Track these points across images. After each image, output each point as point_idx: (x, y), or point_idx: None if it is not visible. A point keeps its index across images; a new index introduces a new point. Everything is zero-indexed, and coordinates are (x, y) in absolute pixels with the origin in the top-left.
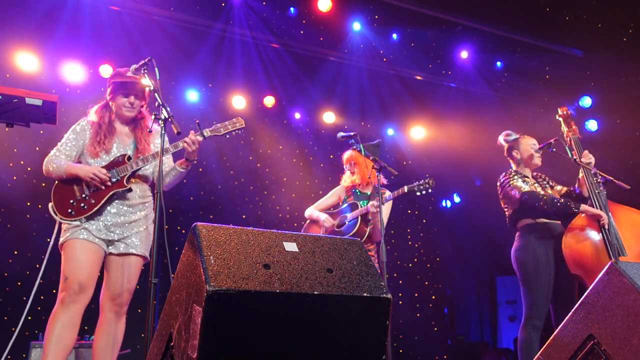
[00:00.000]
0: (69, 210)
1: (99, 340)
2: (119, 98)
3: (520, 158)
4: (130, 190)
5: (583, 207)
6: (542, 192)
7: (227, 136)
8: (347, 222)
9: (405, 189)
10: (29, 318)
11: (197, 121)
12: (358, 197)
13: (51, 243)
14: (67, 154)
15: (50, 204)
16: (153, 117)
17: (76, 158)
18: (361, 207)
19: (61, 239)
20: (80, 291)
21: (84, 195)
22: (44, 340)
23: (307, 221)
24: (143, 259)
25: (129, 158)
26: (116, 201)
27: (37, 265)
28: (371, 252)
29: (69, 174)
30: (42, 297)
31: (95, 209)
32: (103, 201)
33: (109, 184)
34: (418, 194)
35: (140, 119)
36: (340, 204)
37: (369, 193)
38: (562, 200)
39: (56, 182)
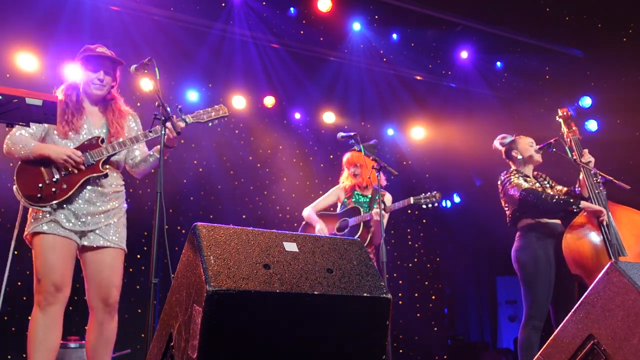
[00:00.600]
0: (38, 195)
1: (92, 341)
2: (87, 74)
3: (521, 158)
4: (106, 175)
5: (583, 203)
6: (541, 190)
7: (210, 124)
8: (349, 227)
9: (412, 200)
10: (29, 318)
11: (179, 106)
12: (359, 200)
13: (15, 232)
14: (31, 132)
15: (14, 187)
16: (153, 117)
17: (41, 138)
18: (364, 212)
19: (27, 230)
20: (56, 291)
21: (54, 179)
22: (27, 345)
23: (304, 222)
24: (123, 252)
25: (103, 141)
26: (88, 188)
27: None
28: (371, 255)
29: (38, 155)
30: None
31: (68, 194)
32: (76, 187)
33: (83, 167)
34: (424, 207)
35: (111, 99)
36: (340, 205)
37: (369, 196)
38: (562, 199)
39: (20, 163)
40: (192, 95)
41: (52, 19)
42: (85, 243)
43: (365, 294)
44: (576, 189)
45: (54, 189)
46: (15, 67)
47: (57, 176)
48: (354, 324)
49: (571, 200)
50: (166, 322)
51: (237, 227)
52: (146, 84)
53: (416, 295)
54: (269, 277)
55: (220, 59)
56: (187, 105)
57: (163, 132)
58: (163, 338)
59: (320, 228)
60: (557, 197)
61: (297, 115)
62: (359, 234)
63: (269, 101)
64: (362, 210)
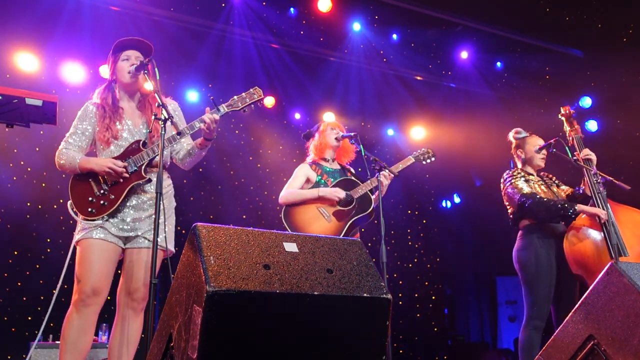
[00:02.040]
0: (90, 209)
1: (115, 339)
2: (121, 63)
3: (524, 157)
4: (149, 180)
5: (579, 207)
6: (542, 195)
7: (246, 110)
8: (355, 199)
9: (412, 159)
10: (29, 319)
11: (211, 97)
12: (326, 170)
13: (69, 254)
14: (78, 144)
15: (69, 202)
16: (153, 117)
17: (88, 147)
18: (363, 181)
19: (77, 237)
20: (93, 294)
21: (102, 191)
22: (59, 344)
23: (285, 207)
24: (164, 253)
25: (144, 144)
26: (135, 194)
27: (37, 266)
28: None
29: (84, 169)
30: (41, 297)
31: (116, 205)
32: (123, 196)
33: (127, 175)
34: (424, 162)
35: (146, 95)
36: (314, 184)
37: (337, 168)
38: (559, 204)
39: (72, 177)
40: (192, 96)
41: (52, 19)
42: (130, 246)
43: (365, 294)
44: (580, 189)
45: (102, 202)
46: (15, 67)
47: (105, 187)
48: (354, 324)
49: (566, 206)
50: (166, 323)
51: (237, 227)
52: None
53: (416, 295)
54: (269, 278)
55: (220, 59)
56: (187, 106)
57: (163, 132)
58: (163, 338)
59: (333, 190)
60: (553, 202)
61: (297, 116)
62: (371, 206)
63: (269, 101)
64: (356, 180)
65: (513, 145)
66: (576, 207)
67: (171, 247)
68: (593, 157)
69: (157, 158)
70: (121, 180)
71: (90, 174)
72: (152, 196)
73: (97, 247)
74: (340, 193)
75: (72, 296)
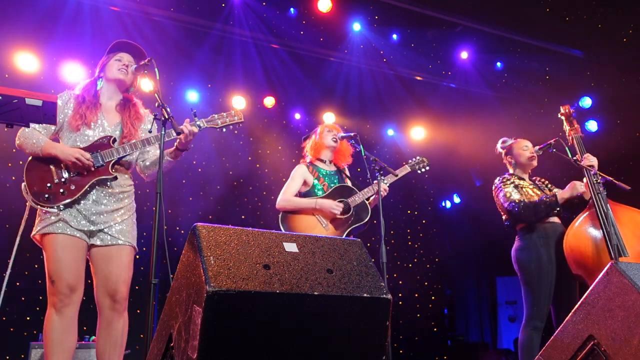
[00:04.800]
0: (46, 195)
1: (102, 342)
2: (112, 61)
3: (514, 162)
4: (115, 178)
5: (559, 195)
6: (531, 198)
7: (224, 130)
8: (352, 208)
9: (408, 168)
10: (27, 319)
11: (193, 111)
12: (322, 172)
13: (20, 232)
14: (45, 128)
15: (23, 184)
16: (153, 117)
17: (54, 132)
18: (359, 186)
19: (36, 230)
20: (70, 293)
21: (62, 179)
22: (43, 346)
23: (282, 212)
24: (133, 249)
25: (114, 141)
26: (96, 188)
27: (36, 266)
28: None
29: (47, 154)
30: (40, 298)
31: (76, 196)
32: (84, 189)
33: (92, 169)
34: (419, 172)
35: (129, 101)
36: (310, 187)
37: (334, 170)
38: (544, 200)
39: (30, 158)
40: (192, 96)
41: (52, 19)
42: (96, 242)
43: (365, 295)
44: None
45: (62, 190)
46: (15, 67)
47: (65, 176)
48: (354, 324)
49: (548, 200)
50: (166, 323)
51: (236, 227)
52: (146, 84)
53: (416, 295)
54: (269, 278)
55: (220, 59)
56: (187, 106)
57: (163, 132)
58: (163, 338)
59: (332, 204)
60: (538, 202)
61: (297, 116)
62: (368, 215)
63: (269, 101)
64: (353, 186)
65: (503, 155)
66: (557, 196)
67: (134, 243)
68: (595, 163)
69: (126, 157)
70: (85, 172)
71: (52, 159)
72: (114, 192)
73: (65, 244)
74: (338, 209)
75: (48, 297)
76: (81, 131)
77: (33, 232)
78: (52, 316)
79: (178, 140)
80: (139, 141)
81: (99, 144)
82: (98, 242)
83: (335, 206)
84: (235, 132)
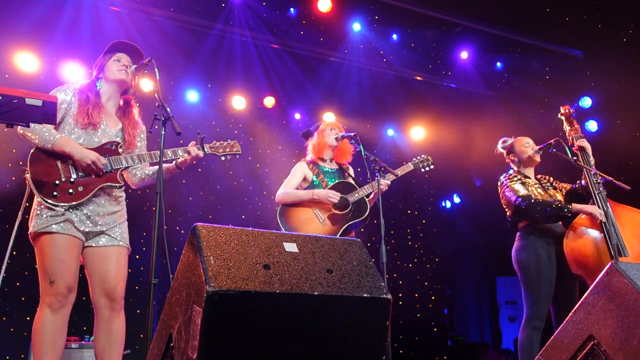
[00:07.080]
0: (54, 193)
1: (101, 342)
2: (111, 62)
3: (517, 160)
4: (122, 186)
5: (575, 207)
6: (538, 197)
7: (223, 158)
8: (351, 204)
9: (412, 166)
10: (27, 319)
11: (199, 134)
12: (323, 170)
13: (14, 230)
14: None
15: (27, 175)
16: (153, 117)
17: (57, 124)
18: (351, 181)
19: (34, 226)
20: (68, 294)
21: (71, 179)
22: (33, 346)
23: (281, 206)
24: (128, 250)
25: (120, 147)
26: (99, 191)
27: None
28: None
29: (60, 150)
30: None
31: (84, 199)
32: (93, 192)
33: (101, 173)
34: (423, 170)
35: (128, 104)
36: (309, 184)
37: (335, 169)
38: (555, 205)
39: (33, 150)
40: (192, 96)
41: (52, 19)
42: (92, 244)
43: (365, 295)
44: (581, 182)
45: (70, 190)
46: (15, 67)
47: (74, 176)
48: (354, 324)
49: (561, 206)
50: (166, 323)
51: (236, 227)
52: (146, 84)
53: (416, 295)
54: (269, 278)
55: (220, 59)
56: (187, 106)
57: (163, 132)
58: (163, 338)
59: (329, 193)
60: (548, 203)
61: (297, 116)
62: (367, 211)
63: (269, 101)
64: (354, 183)
65: (505, 154)
66: (571, 207)
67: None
68: (587, 145)
69: (130, 168)
70: (93, 175)
71: (59, 155)
72: (116, 195)
73: (68, 245)
74: (335, 197)
75: (41, 297)
76: (87, 130)
77: (30, 229)
78: (47, 316)
79: (182, 159)
80: (146, 154)
81: (107, 149)
82: (94, 244)
83: (332, 195)
84: (235, 132)
